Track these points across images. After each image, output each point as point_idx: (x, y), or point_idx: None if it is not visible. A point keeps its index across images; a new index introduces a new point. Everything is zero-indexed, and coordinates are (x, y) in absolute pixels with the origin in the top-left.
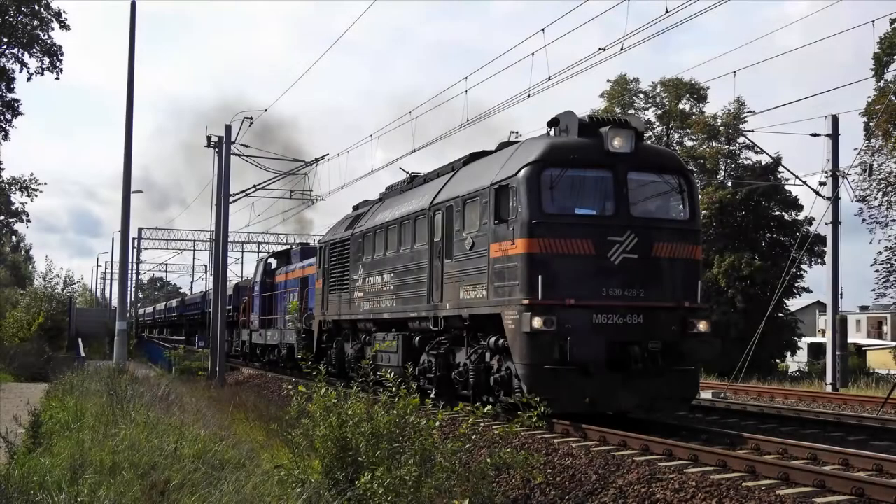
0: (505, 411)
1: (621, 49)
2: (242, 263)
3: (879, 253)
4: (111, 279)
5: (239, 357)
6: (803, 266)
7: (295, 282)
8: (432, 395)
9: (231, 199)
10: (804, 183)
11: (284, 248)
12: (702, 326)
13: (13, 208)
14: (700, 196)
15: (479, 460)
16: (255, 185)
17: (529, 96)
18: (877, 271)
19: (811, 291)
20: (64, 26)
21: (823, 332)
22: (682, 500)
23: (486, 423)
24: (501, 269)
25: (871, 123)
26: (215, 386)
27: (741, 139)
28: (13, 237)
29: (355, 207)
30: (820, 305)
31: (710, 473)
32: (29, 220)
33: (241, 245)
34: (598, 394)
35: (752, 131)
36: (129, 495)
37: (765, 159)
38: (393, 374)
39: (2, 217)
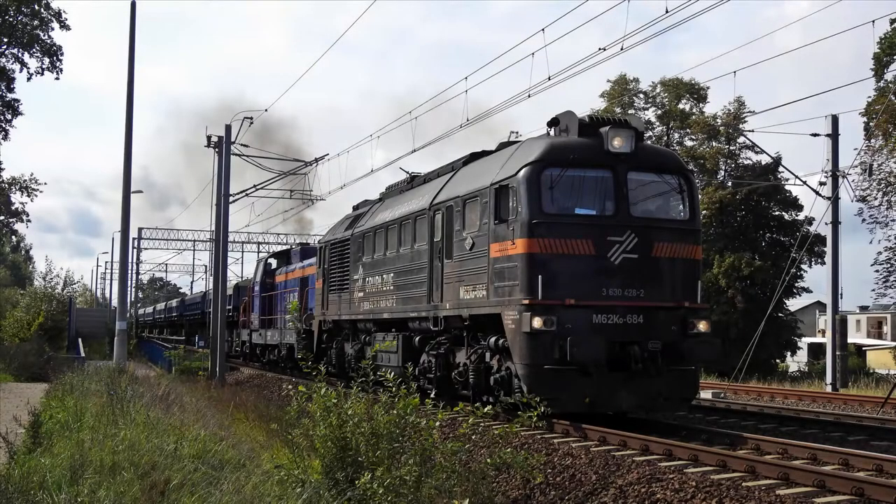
0: (505, 411)
1: (621, 49)
2: (242, 263)
3: (879, 253)
4: (111, 279)
5: (239, 357)
6: (803, 266)
7: (295, 282)
8: (432, 395)
9: (231, 199)
10: (804, 183)
11: (284, 248)
12: (702, 326)
13: (13, 208)
14: (700, 196)
15: (480, 460)
16: (255, 185)
17: (529, 96)
18: (877, 271)
19: (811, 291)
20: (64, 26)
21: (823, 332)
22: (682, 500)
23: (486, 423)
24: (502, 269)
25: (871, 123)
26: (215, 386)
27: (741, 139)
28: (13, 237)
29: (355, 207)
30: (820, 305)
31: (711, 473)
32: (29, 220)
33: (241, 245)
34: (598, 394)
35: (752, 131)
36: (129, 495)
37: (765, 159)
38: (393, 373)
39: (2, 217)
